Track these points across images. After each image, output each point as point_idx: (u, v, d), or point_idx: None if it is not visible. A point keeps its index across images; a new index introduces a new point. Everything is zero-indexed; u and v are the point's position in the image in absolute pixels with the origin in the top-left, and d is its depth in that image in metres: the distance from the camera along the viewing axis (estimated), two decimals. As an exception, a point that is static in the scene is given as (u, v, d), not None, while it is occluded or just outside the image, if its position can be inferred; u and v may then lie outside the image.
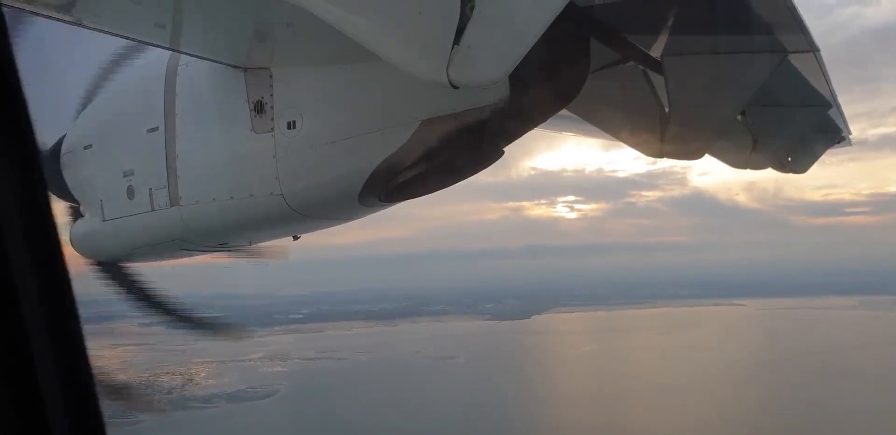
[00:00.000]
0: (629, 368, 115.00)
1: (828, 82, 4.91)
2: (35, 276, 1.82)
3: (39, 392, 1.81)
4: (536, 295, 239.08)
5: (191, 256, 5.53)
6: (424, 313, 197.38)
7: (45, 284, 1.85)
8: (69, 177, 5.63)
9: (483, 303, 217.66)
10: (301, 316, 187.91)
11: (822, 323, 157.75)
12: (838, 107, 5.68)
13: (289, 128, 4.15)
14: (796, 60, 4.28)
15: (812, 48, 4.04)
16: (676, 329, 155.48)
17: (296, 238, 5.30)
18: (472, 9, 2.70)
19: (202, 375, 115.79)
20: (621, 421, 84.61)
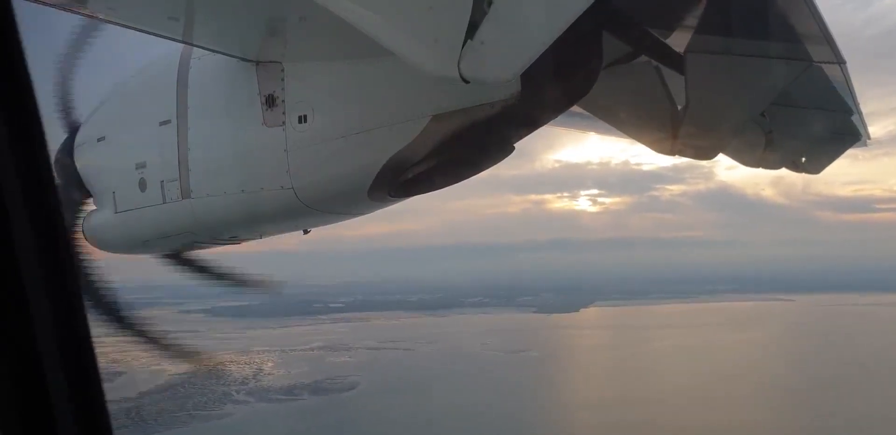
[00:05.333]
0: (722, 364, 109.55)
1: (851, 92, 4.86)
2: (43, 271, 1.80)
3: (47, 392, 1.79)
4: (572, 288, 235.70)
5: (201, 248, 5.47)
6: (465, 305, 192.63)
7: (53, 280, 1.84)
8: (83, 169, 5.55)
9: (520, 295, 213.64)
10: (342, 305, 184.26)
11: (889, 320, 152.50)
12: (860, 114, 5.54)
13: (300, 122, 4.11)
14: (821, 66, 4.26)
15: (838, 60, 4.03)
16: (743, 324, 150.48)
17: (306, 232, 5.24)
18: (489, 5, 2.68)
19: (269, 364, 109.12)
20: (730, 419, 78.11)
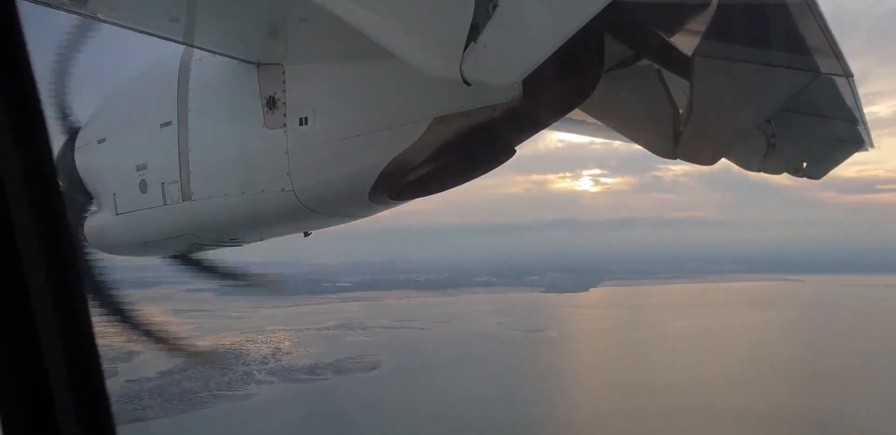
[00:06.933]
0: (741, 344, 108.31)
1: (857, 102, 4.94)
2: (46, 269, 1.83)
3: (49, 391, 1.81)
4: (579, 268, 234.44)
5: (203, 250, 5.50)
6: (473, 284, 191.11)
7: (56, 279, 1.86)
8: (83, 170, 5.57)
9: (527, 275, 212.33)
10: (349, 284, 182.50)
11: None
12: (864, 123, 5.60)
13: (301, 124, 4.12)
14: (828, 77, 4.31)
15: (846, 74, 4.09)
16: (756, 304, 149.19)
17: (306, 234, 5.27)
18: (494, 7, 2.65)
19: (287, 343, 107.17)
20: (758, 405, 76.67)
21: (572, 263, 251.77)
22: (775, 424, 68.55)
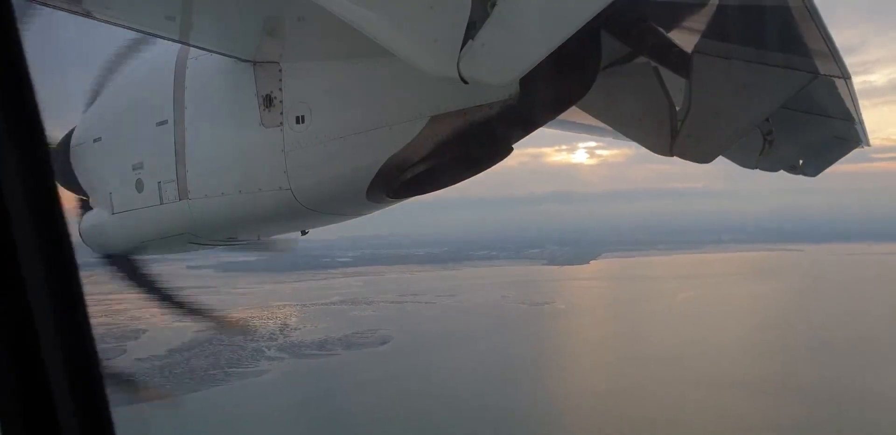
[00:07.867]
0: (750, 314, 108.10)
1: (854, 102, 5.02)
2: (44, 269, 1.83)
3: (50, 392, 1.81)
4: (578, 240, 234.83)
5: (200, 249, 5.52)
6: (474, 258, 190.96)
7: (54, 279, 1.86)
8: (79, 169, 5.60)
9: (527, 248, 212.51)
10: (350, 259, 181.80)
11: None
12: (861, 123, 5.66)
13: (298, 122, 4.14)
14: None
15: (844, 75, 4.15)
16: (761, 274, 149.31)
17: (304, 233, 5.30)
18: (492, 6, 2.70)
19: (293, 319, 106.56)
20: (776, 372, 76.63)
21: (572, 236, 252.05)
22: (779, 392, 68.50)
